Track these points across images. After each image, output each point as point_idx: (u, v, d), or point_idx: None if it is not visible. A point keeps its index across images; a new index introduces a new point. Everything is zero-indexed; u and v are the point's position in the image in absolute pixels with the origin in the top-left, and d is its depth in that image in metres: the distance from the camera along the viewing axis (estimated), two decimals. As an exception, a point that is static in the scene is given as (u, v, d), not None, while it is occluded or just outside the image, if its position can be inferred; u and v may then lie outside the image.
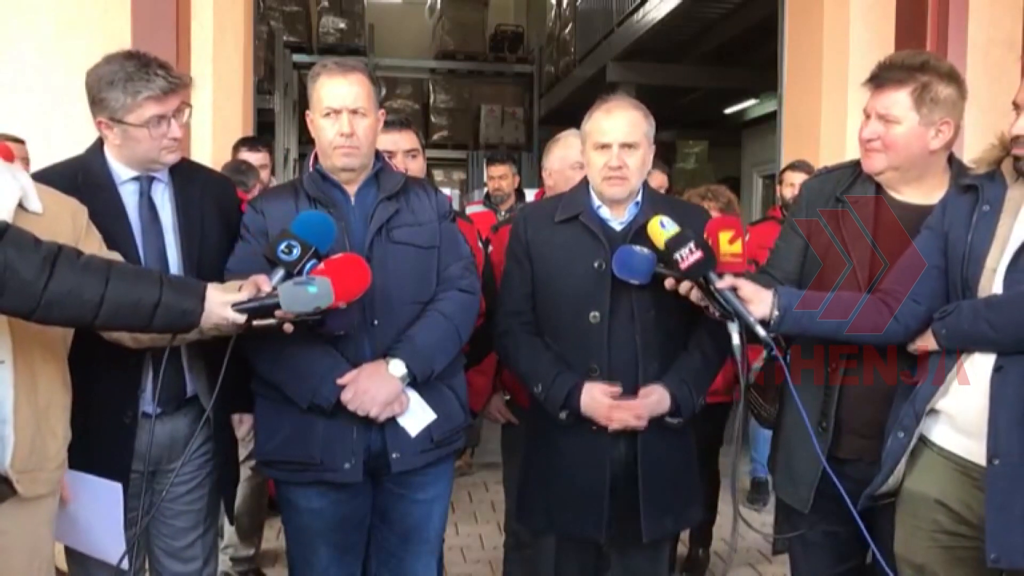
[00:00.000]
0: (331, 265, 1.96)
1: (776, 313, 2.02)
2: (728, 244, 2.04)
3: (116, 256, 2.00)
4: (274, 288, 1.89)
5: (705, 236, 2.06)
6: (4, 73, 4.16)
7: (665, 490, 2.34)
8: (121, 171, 2.19)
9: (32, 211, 1.85)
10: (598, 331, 2.29)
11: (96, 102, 2.11)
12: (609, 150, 2.28)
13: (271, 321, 1.90)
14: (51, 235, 1.82)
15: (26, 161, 3.62)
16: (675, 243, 2.05)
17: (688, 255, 2.03)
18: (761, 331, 2.00)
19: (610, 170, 2.28)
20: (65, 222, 1.91)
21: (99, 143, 2.21)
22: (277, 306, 1.87)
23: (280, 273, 1.94)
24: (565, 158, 2.99)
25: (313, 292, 1.87)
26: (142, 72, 2.07)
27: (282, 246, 1.95)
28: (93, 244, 1.97)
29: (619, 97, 2.42)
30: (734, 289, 2.02)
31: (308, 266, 1.95)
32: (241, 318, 1.86)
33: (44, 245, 1.71)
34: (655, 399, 2.27)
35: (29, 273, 1.66)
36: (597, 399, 2.26)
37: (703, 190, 3.77)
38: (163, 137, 2.12)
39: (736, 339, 2.03)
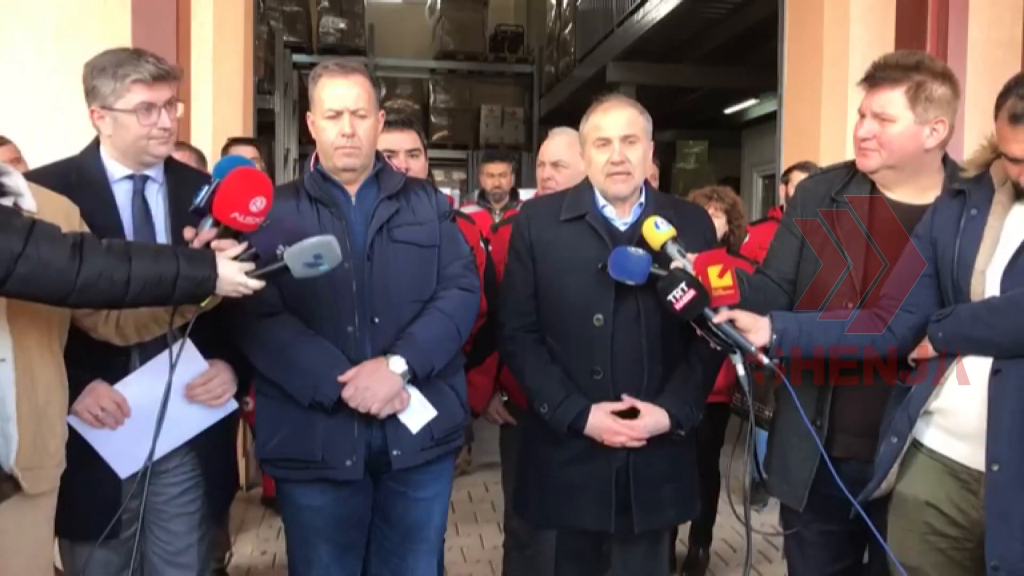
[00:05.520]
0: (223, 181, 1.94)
1: (774, 337, 2.04)
2: (718, 278, 2.04)
3: None
4: (280, 255, 1.94)
5: (694, 273, 2.06)
6: (4, 73, 4.17)
7: (658, 482, 2.34)
8: (115, 169, 2.19)
9: (27, 210, 1.86)
10: (602, 334, 2.28)
11: (89, 91, 2.13)
12: (610, 145, 2.27)
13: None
14: None
15: (18, 161, 3.61)
16: (667, 286, 2.05)
17: (681, 296, 2.03)
18: (765, 359, 2.02)
19: (612, 165, 2.27)
20: (59, 221, 1.93)
21: (95, 143, 2.22)
22: (286, 267, 1.93)
23: (208, 221, 1.97)
24: (539, 156, 3.08)
25: (313, 243, 1.94)
26: (132, 59, 2.11)
27: (197, 192, 1.98)
28: None
29: (614, 96, 2.42)
30: (731, 321, 2.04)
31: (208, 193, 1.95)
32: (257, 284, 1.93)
33: (68, 234, 1.78)
34: (653, 421, 2.28)
35: (62, 262, 1.73)
36: (602, 423, 2.27)
37: (708, 191, 3.75)
38: (152, 126, 2.12)
39: (741, 370, 2.05)
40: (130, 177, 2.20)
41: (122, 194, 2.19)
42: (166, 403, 1.98)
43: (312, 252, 1.93)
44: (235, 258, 1.92)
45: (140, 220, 2.18)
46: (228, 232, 1.95)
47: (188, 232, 1.98)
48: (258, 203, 1.93)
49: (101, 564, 2.21)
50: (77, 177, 2.15)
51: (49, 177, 2.11)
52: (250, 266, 1.92)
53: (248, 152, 4.34)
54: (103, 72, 2.10)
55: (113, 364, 2.14)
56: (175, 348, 2.00)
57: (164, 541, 2.28)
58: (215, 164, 2.08)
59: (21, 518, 1.87)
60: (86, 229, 2.01)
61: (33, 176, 2.12)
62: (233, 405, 2.28)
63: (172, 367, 1.99)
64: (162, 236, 2.20)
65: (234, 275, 1.89)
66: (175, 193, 2.24)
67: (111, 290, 1.79)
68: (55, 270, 1.72)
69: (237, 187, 1.91)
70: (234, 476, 2.50)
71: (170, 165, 2.27)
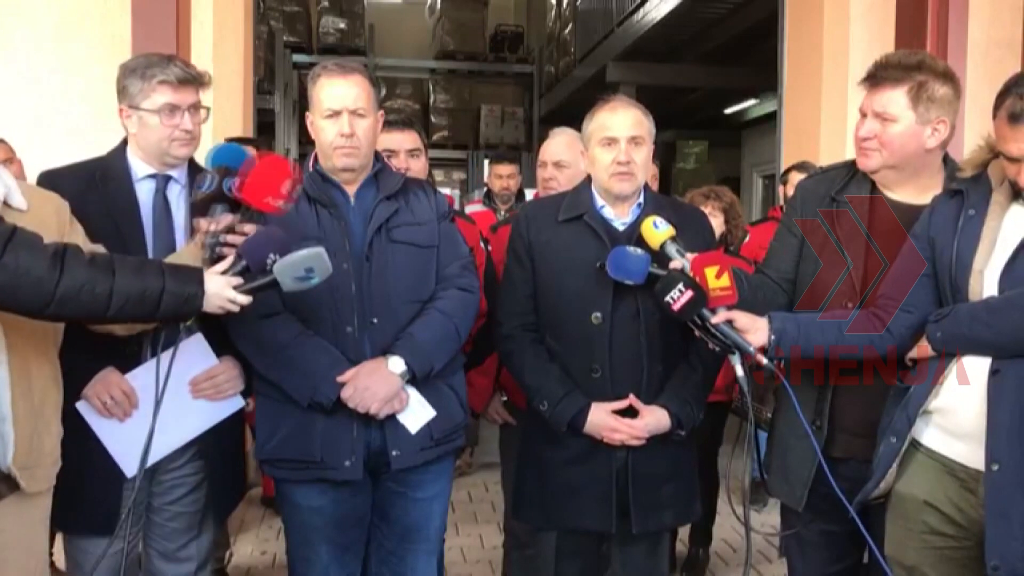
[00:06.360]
0: (247, 172, 1.97)
1: (772, 337, 2.04)
2: (715, 279, 2.04)
3: (99, 248, 2.02)
4: (270, 268, 1.92)
5: (692, 274, 2.06)
6: (4, 73, 4.17)
7: (658, 484, 2.34)
8: (139, 167, 2.25)
9: (16, 207, 1.87)
10: (600, 332, 2.28)
11: (120, 91, 2.21)
12: (616, 145, 2.27)
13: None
14: (37, 230, 1.83)
15: (11, 161, 3.61)
16: (664, 287, 2.06)
17: (679, 296, 2.03)
18: (764, 360, 2.02)
19: (618, 165, 2.27)
20: (49, 217, 1.94)
21: (123, 143, 2.28)
22: (276, 282, 1.91)
23: (218, 208, 1.99)
24: (539, 156, 3.09)
25: (303, 255, 1.92)
26: (162, 62, 2.19)
27: (201, 183, 2.01)
28: (77, 238, 1.99)
29: (620, 97, 2.42)
30: (729, 322, 2.04)
31: (227, 184, 1.99)
32: (245, 299, 1.90)
33: (51, 244, 1.75)
34: (654, 420, 2.28)
35: (41, 271, 1.69)
36: (602, 421, 2.27)
37: (706, 190, 3.76)
38: (175, 128, 2.18)
39: (740, 371, 2.05)
40: (153, 176, 2.25)
41: (144, 192, 2.24)
42: (158, 407, 1.93)
43: (303, 265, 1.91)
44: (224, 272, 1.90)
45: (160, 218, 2.22)
46: (253, 215, 1.98)
47: (203, 223, 1.99)
48: (287, 185, 1.99)
49: (102, 560, 2.19)
50: (102, 174, 2.22)
51: (75, 174, 2.20)
52: (238, 280, 1.90)
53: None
54: (133, 72, 2.17)
55: (124, 353, 2.15)
56: (164, 357, 1.96)
57: (163, 538, 2.30)
58: (213, 152, 2.09)
59: (18, 517, 1.86)
60: (77, 225, 2.02)
61: (60, 173, 2.21)
62: (240, 402, 2.28)
63: (164, 381, 1.92)
64: (180, 235, 2.24)
65: (222, 290, 1.86)
66: None
67: (92, 303, 1.75)
68: (34, 279, 1.68)
69: (270, 172, 1.96)
70: (242, 478, 2.50)
71: (194, 167, 2.30)
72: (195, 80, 2.20)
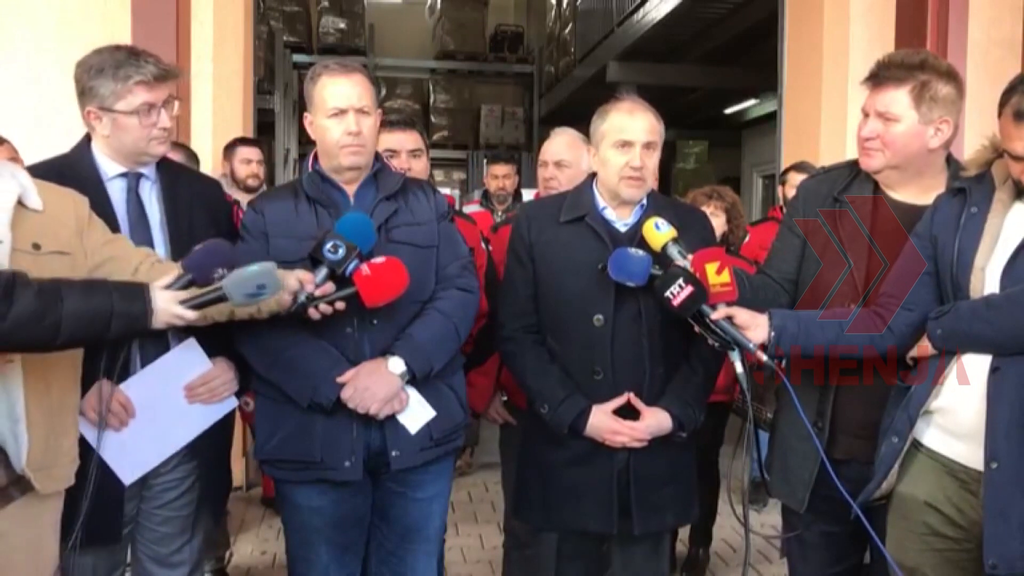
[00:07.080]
0: (374, 268, 2.06)
1: (772, 334, 2.03)
2: (716, 275, 2.04)
3: (120, 240, 2.01)
4: (218, 279, 1.88)
5: (692, 270, 2.06)
6: (4, 73, 4.17)
7: (659, 485, 2.34)
8: (108, 167, 2.18)
9: (32, 208, 1.85)
10: (601, 334, 2.28)
11: (85, 92, 2.11)
12: (631, 149, 2.26)
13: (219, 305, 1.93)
14: (54, 230, 1.83)
15: (14, 160, 3.60)
16: (664, 282, 2.06)
17: (679, 292, 2.03)
18: (764, 356, 2.02)
19: (631, 170, 2.26)
20: (68, 214, 1.91)
21: (86, 140, 2.21)
22: (223, 296, 1.87)
23: (324, 272, 2.04)
24: (540, 155, 3.11)
25: (254, 271, 1.87)
26: (132, 59, 2.09)
27: (328, 245, 2.04)
28: (96, 231, 1.97)
29: (635, 98, 2.39)
30: (729, 318, 2.03)
31: (351, 266, 2.05)
32: (192, 315, 1.86)
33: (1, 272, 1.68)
34: (655, 422, 2.27)
35: None
36: (603, 423, 2.26)
37: (708, 190, 3.76)
38: (152, 127, 2.12)
39: (740, 368, 2.04)
40: (124, 175, 2.19)
41: (116, 192, 2.18)
42: (103, 424, 1.97)
43: (255, 282, 1.86)
44: (168, 286, 1.85)
45: (135, 218, 2.18)
46: (350, 296, 2.05)
47: (308, 279, 2.01)
48: (398, 295, 2.10)
49: (89, 569, 2.16)
50: (70, 175, 2.12)
51: (39, 175, 2.06)
52: (184, 295, 1.86)
53: (252, 153, 4.35)
54: (101, 73, 2.07)
55: (113, 363, 2.11)
56: (156, 365, 1.96)
57: (153, 542, 2.28)
58: (342, 220, 2.11)
59: (27, 520, 1.84)
60: (96, 218, 1.99)
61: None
62: (233, 403, 2.28)
63: (108, 401, 1.95)
64: (157, 232, 2.20)
65: (168, 306, 1.83)
66: (169, 191, 2.24)
67: (42, 333, 1.68)
68: None
69: (393, 280, 2.06)
70: (228, 478, 2.49)
71: (162, 163, 2.26)
72: (169, 74, 2.14)
